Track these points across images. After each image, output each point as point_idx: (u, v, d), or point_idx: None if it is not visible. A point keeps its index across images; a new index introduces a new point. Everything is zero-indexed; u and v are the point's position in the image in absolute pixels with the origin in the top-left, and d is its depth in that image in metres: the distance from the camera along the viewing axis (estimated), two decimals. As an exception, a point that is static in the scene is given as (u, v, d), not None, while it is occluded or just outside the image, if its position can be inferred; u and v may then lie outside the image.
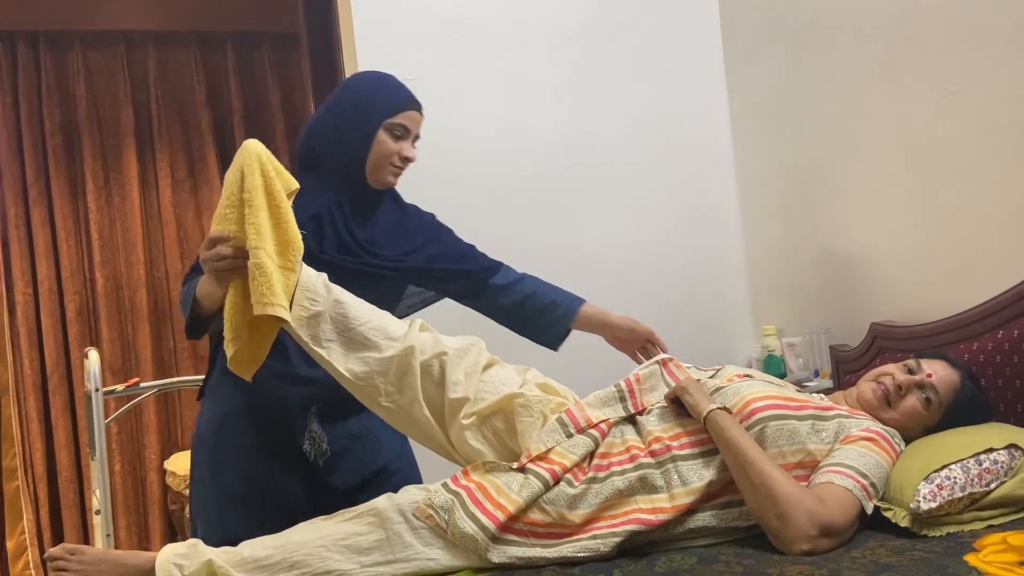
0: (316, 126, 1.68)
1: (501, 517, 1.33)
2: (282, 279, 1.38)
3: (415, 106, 1.66)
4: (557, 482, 1.37)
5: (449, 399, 1.46)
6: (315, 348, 1.43)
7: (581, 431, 1.45)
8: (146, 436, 3.87)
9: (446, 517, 1.34)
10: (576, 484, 1.37)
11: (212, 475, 1.63)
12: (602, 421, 1.47)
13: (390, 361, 1.45)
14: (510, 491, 1.36)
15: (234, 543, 1.38)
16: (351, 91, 1.69)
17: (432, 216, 1.82)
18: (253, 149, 1.41)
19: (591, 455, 1.43)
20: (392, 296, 1.73)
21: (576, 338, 1.81)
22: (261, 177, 1.39)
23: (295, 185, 1.45)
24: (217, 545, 1.39)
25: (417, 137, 1.69)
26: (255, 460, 1.61)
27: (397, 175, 1.68)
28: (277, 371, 1.59)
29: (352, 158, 1.63)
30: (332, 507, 1.44)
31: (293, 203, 1.43)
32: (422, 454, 1.62)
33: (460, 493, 1.38)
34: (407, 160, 1.66)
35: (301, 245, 1.43)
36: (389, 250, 1.67)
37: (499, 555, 1.32)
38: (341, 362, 1.44)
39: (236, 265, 1.38)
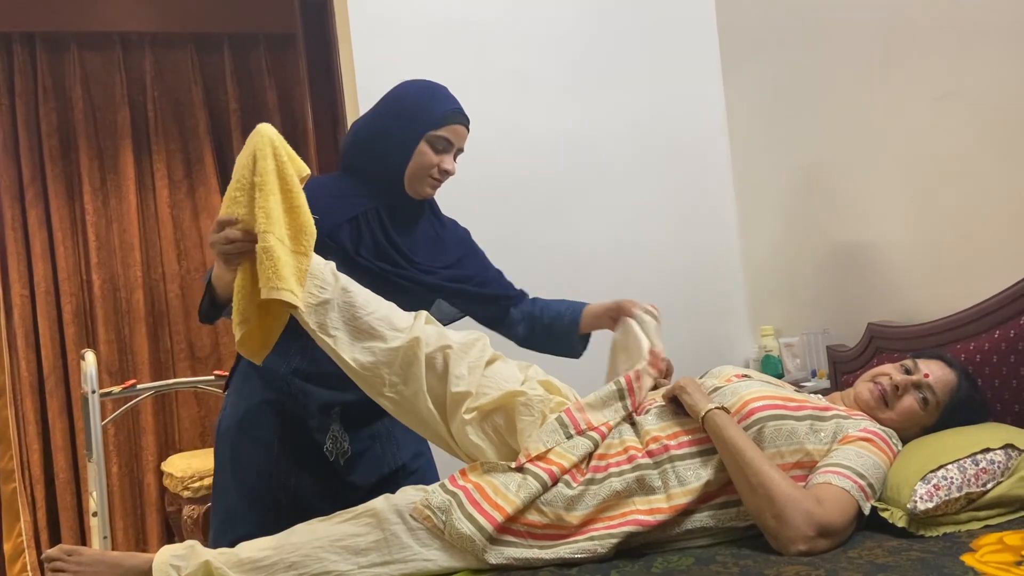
0: (360, 130, 1.68)
1: (499, 518, 1.33)
2: (294, 263, 1.38)
3: (461, 120, 1.65)
4: (555, 483, 1.37)
5: (451, 392, 1.46)
6: (322, 336, 1.43)
7: (581, 433, 1.45)
8: (143, 438, 3.87)
9: (443, 518, 1.34)
10: (574, 485, 1.37)
11: (231, 470, 1.63)
12: (603, 424, 1.47)
13: (396, 352, 1.45)
14: (507, 491, 1.36)
15: (249, 539, 1.38)
16: (397, 99, 1.67)
17: (467, 232, 1.82)
18: (266, 133, 1.41)
19: (589, 456, 1.43)
20: (420, 307, 1.73)
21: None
22: (274, 161, 1.39)
23: (307, 171, 1.45)
24: (233, 541, 1.39)
25: (460, 151, 1.67)
26: (274, 457, 1.60)
27: (435, 187, 1.67)
28: (303, 369, 1.59)
29: (391, 166, 1.62)
30: (350, 506, 1.43)
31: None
32: (441, 454, 1.62)
33: (457, 493, 1.37)
34: (446, 173, 1.65)
35: (314, 231, 1.42)
36: (424, 262, 1.66)
37: (496, 556, 1.32)
38: (347, 351, 1.44)
39: (244, 249, 1.37)
